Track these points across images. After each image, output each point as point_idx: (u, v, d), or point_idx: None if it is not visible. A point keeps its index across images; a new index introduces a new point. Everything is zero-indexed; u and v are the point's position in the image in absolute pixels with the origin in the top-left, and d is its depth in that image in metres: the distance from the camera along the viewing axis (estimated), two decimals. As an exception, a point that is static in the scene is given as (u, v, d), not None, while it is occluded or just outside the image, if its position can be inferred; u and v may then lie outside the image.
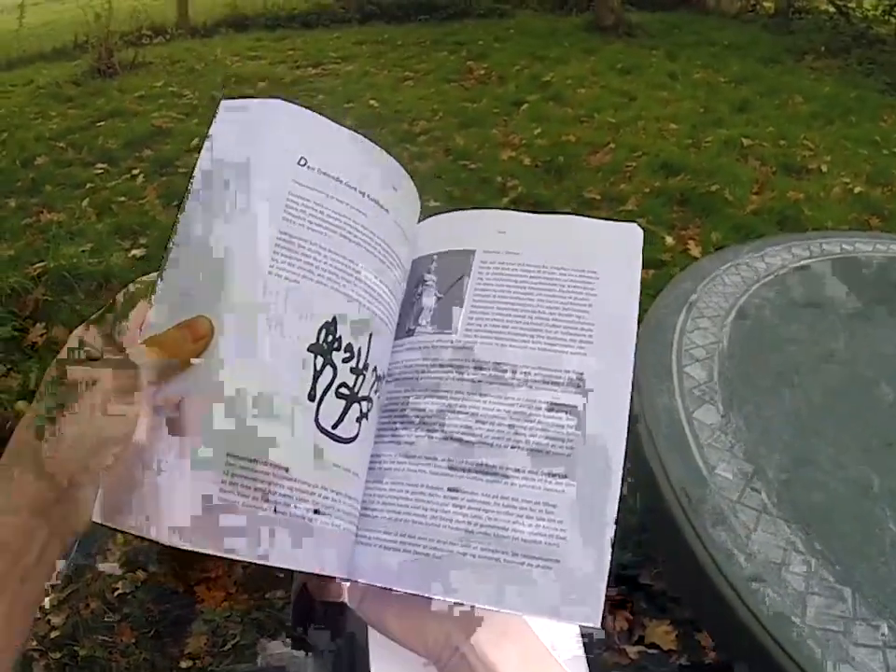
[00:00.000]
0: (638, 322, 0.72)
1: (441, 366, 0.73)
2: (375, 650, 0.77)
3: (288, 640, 2.14)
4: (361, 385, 0.71)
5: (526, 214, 0.80)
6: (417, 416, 0.72)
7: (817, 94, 7.40)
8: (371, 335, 0.72)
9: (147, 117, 7.01)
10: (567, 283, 0.74)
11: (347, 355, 0.69)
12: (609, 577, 0.63)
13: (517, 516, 0.65)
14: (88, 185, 5.59)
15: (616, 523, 0.65)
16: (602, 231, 0.78)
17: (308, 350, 0.66)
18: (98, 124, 6.93)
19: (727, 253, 2.37)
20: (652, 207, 4.90)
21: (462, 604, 0.66)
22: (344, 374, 0.69)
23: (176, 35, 11.31)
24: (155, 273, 0.66)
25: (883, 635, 1.28)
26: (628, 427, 0.68)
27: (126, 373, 0.59)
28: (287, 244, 0.66)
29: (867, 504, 1.50)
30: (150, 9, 11.31)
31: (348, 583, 0.73)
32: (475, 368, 0.72)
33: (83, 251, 4.40)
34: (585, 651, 0.79)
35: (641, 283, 0.74)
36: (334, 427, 0.68)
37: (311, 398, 0.66)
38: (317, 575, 0.71)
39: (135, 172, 5.80)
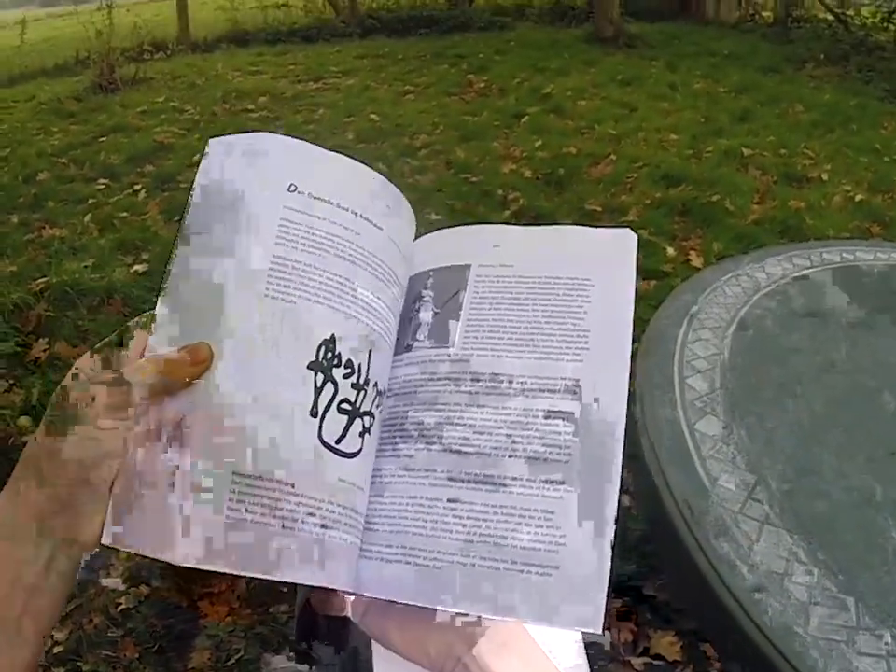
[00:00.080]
0: (639, 332, 0.72)
1: (439, 379, 0.73)
2: (379, 663, 0.77)
3: (292, 655, 2.14)
4: (363, 400, 0.71)
5: (521, 227, 0.81)
6: (416, 430, 0.72)
7: (817, 103, 7.41)
8: (370, 351, 0.72)
9: (149, 132, 7.04)
10: (561, 292, 0.74)
11: (348, 371, 0.70)
12: (609, 583, 0.63)
13: (516, 524, 0.66)
14: (90, 200, 5.61)
15: (616, 528, 0.65)
16: (595, 239, 0.78)
17: (308, 368, 0.67)
18: (100, 140, 6.96)
19: (728, 264, 2.37)
20: (654, 218, 4.90)
21: (464, 614, 0.66)
22: (346, 390, 0.70)
23: (177, 50, 11.37)
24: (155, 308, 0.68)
25: (886, 644, 1.28)
26: (626, 433, 0.68)
27: (119, 390, 0.61)
28: (282, 266, 0.68)
29: (870, 513, 1.50)
30: (151, 25, 11.38)
31: (352, 597, 0.73)
32: (472, 380, 0.72)
33: (85, 266, 4.41)
34: (589, 661, 0.79)
35: (643, 294, 0.75)
36: (338, 441, 0.68)
37: (313, 414, 0.67)
38: (321, 589, 0.72)
39: (137, 187, 5.81)
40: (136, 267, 4.51)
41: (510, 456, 0.68)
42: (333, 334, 0.69)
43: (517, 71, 8.75)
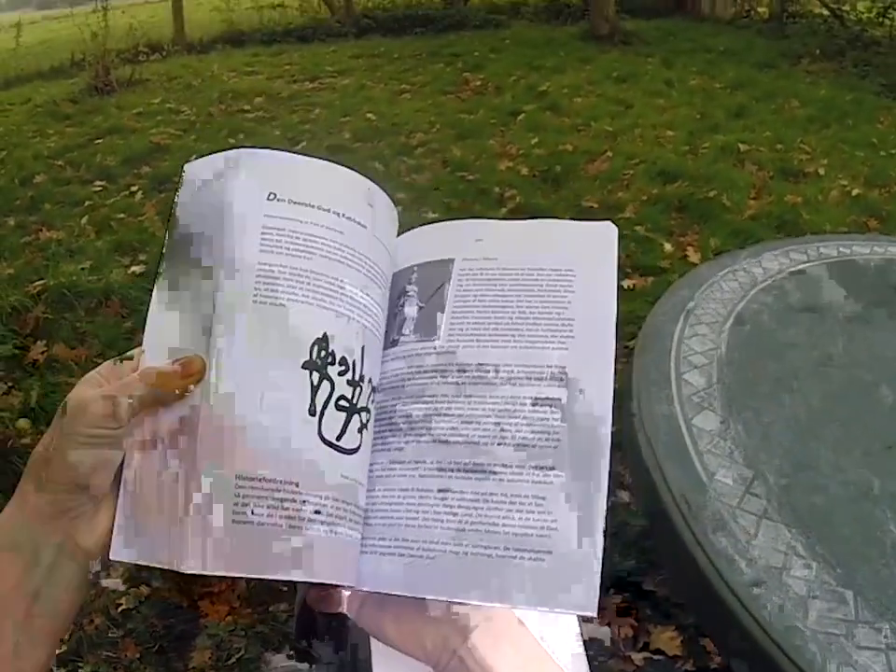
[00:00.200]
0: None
1: (426, 372, 0.74)
2: (378, 661, 0.77)
3: (292, 653, 2.14)
4: (359, 396, 0.72)
5: (503, 221, 0.82)
6: (405, 423, 0.73)
7: (813, 98, 7.41)
8: (363, 347, 0.73)
9: (145, 133, 7.04)
10: (545, 282, 0.75)
11: (343, 368, 0.70)
12: (602, 566, 0.64)
13: (507, 511, 0.66)
14: (86, 202, 5.62)
15: (608, 516, 0.66)
16: (577, 231, 0.79)
17: (303, 367, 0.68)
18: (96, 142, 6.97)
19: (724, 259, 2.37)
20: (651, 214, 4.90)
21: (460, 603, 0.66)
22: (342, 387, 0.70)
23: (173, 51, 11.37)
24: None
25: (885, 637, 1.28)
26: (614, 420, 0.68)
27: (113, 400, 0.63)
28: (268, 272, 0.68)
29: (868, 507, 1.50)
30: (147, 27, 11.38)
31: (348, 593, 0.73)
32: (458, 371, 0.72)
33: (83, 268, 4.42)
34: (588, 657, 0.79)
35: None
36: (338, 438, 0.69)
37: (311, 412, 0.67)
38: (319, 586, 0.72)
39: (134, 189, 5.82)
40: (134, 268, 4.51)
41: (498, 444, 0.69)
42: (325, 333, 0.69)
43: (513, 69, 8.75)
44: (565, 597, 0.63)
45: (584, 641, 0.79)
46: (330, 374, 0.69)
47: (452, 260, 0.79)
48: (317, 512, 0.65)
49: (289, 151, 0.73)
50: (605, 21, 10.15)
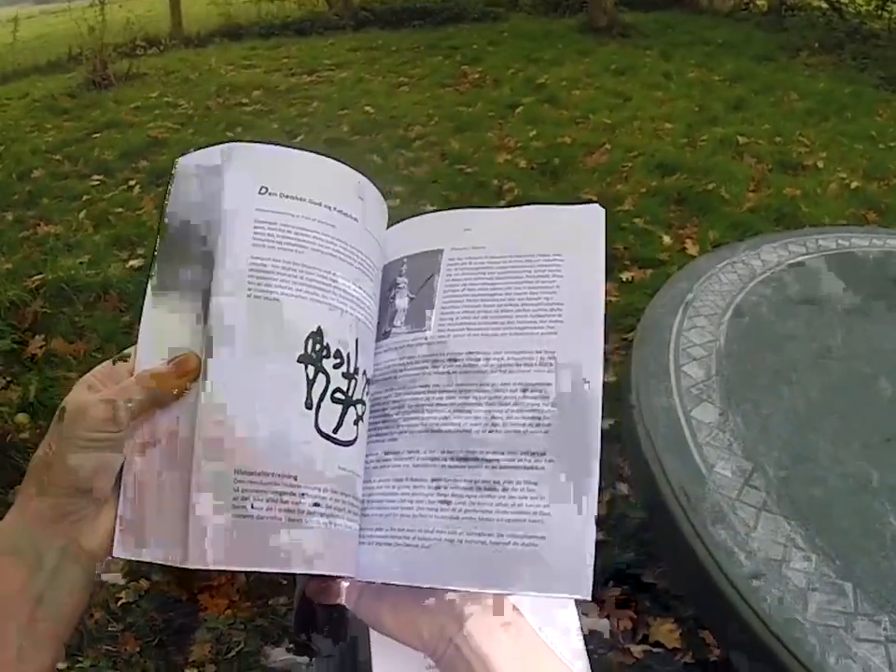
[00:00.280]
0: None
1: (417, 363, 0.74)
2: (378, 653, 0.77)
3: (292, 646, 2.15)
4: (354, 388, 0.72)
5: (491, 209, 0.82)
6: (398, 414, 0.73)
7: (811, 91, 7.40)
8: (357, 340, 0.73)
9: (143, 127, 7.03)
10: (533, 269, 0.75)
11: (337, 361, 0.70)
12: (597, 553, 0.64)
13: (500, 497, 0.67)
14: (84, 197, 5.61)
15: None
16: (564, 216, 0.78)
17: (298, 361, 0.68)
18: (94, 136, 6.96)
19: (723, 251, 2.37)
20: (649, 207, 4.90)
21: (455, 591, 0.67)
22: (337, 380, 0.70)
23: (170, 45, 11.35)
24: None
25: (885, 629, 1.28)
26: (605, 407, 0.68)
27: (113, 404, 0.63)
28: (261, 266, 0.68)
29: (867, 499, 1.50)
30: (144, 20, 11.34)
31: (345, 584, 0.73)
32: (449, 360, 0.73)
33: (81, 263, 4.41)
34: (588, 649, 0.79)
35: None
36: (334, 431, 0.69)
37: (308, 405, 0.68)
38: (318, 578, 0.72)
39: (132, 183, 5.81)
40: (132, 262, 4.51)
41: (490, 432, 0.69)
42: (319, 326, 0.69)
43: (511, 62, 8.74)
44: (559, 582, 0.64)
45: (584, 635, 0.79)
46: (326, 367, 0.69)
47: (440, 251, 0.80)
48: (316, 505, 0.66)
49: (282, 145, 0.73)
50: (603, 13, 10.13)
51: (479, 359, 0.72)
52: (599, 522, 0.65)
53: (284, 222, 0.70)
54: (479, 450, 0.69)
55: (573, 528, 0.65)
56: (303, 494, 0.65)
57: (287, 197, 0.71)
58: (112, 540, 0.65)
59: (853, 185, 5.29)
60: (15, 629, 0.61)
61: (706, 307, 1.99)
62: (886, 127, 6.48)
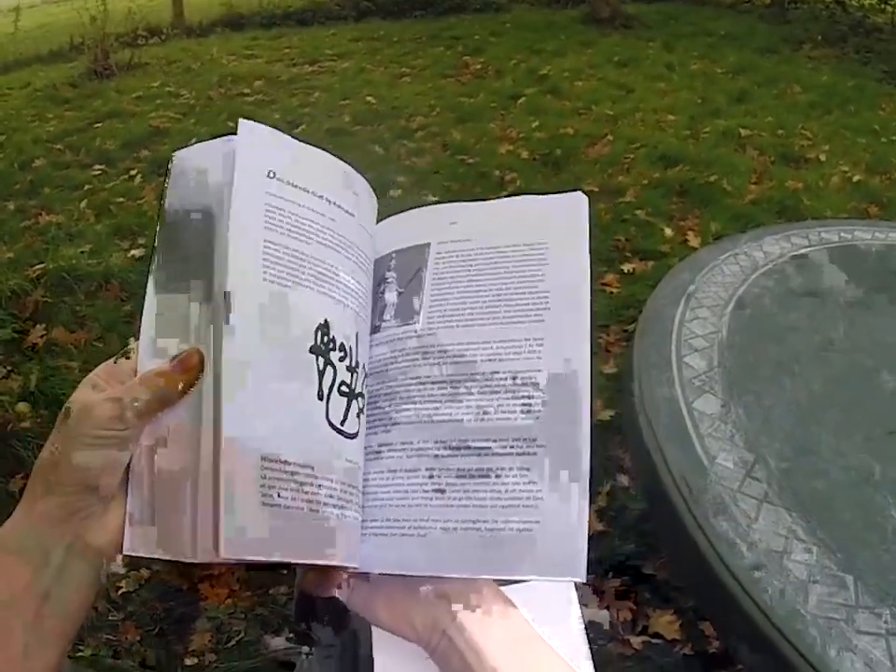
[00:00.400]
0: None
1: (408, 355, 0.75)
2: (379, 646, 0.77)
3: (292, 636, 2.15)
4: (356, 381, 0.73)
5: (476, 202, 0.82)
6: (390, 406, 0.74)
7: (814, 84, 7.38)
8: (357, 333, 0.74)
9: (145, 117, 7.02)
10: (519, 258, 0.76)
11: (342, 354, 0.71)
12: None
13: (493, 484, 0.68)
14: (86, 186, 5.60)
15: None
16: (548, 205, 0.79)
17: (310, 352, 0.68)
18: (95, 126, 6.94)
19: (725, 243, 2.36)
20: (651, 199, 4.89)
21: (452, 578, 0.68)
22: (342, 373, 0.71)
23: (172, 35, 11.33)
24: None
25: (885, 622, 1.28)
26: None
27: (120, 403, 0.63)
28: (274, 250, 0.67)
29: (868, 492, 1.50)
30: (146, 10, 11.31)
31: (345, 576, 0.73)
32: (439, 352, 0.74)
33: (82, 252, 4.41)
34: (588, 641, 0.79)
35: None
36: (342, 423, 0.70)
37: (319, 397, 0.68)
38: (318, 570, 0.72)
39: (133, 172, 5.80)
40: (133, 252, 4.50)
41: (481, 420, 0.70)
42: (326, 319, 0.70)
43: (513, 52, 8.71)
44: (554, 566, 0.65)
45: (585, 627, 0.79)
46: (332, 360, 0.70)
47: (428, 245, 0.80)
48: (330, 496, 0.66)
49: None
50: (606, 4, 10.10)
51: (468, 350, 0.73)
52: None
53: (291, 210, 0.69)
54: (471, 438, 0.70)
55: (567, 512, 0.66)
56: (320, 485, 0.65)
57: (292, 186, 0.70)
58: (120, 536, 0.65)
59: (855, 178, 5.28)
60: (21, 626, 0.61)
61: (708, 298, 1.99)
62: (888, 121, 6.45)
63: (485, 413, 0.70)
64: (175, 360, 0.65)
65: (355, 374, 0.72)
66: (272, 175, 0.69)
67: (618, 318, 3.58)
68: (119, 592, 2.42)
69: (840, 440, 1.61)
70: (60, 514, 0.62)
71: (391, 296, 0.79)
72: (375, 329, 0.78)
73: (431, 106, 6.87)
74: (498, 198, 0.83)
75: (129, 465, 0.65)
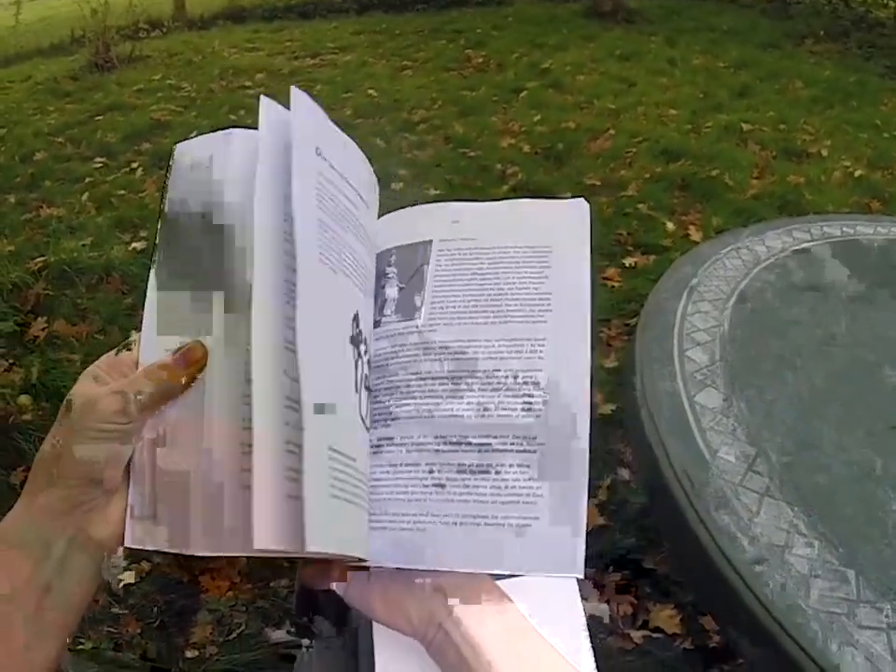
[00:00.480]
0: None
1: (409, 350, 0.75)
2: (379, 636, 0.77)
3: (293, 629, 2.15)
4: (370, 376, 0.73)
5: (479, 203, 0.83)
6: (390, 400, 0.74)
7: (816, 79, 7.37)
8: (370, 328, 0.74)
9: (146, 110, 7.01)
10: (521, 259, 0.77)
11: (364, 347, 0.71)
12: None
13: (493, 480, 0.69)
14: (87, 179, 5.60)
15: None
16: (551, 210, 0.80)
17: (350, 342, 0.68)
18: (96, 118, 6.94)
19: (728, 237, 2.36)
20: (653, 193, 4.89)
21: (451, 573, 0.68)
22: (364, 366, 0.71)
23: (174, 28, 11.31)
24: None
25: (887, 617, 1.28)
26: (591, 387, 0.70)
27: (124, 396, 0.63)
28: (324, 232, 0.65)
29: (870, 486, 1.50)
30: (147, 3, 11.29)
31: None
32: (441, 348, 0.74)
33: (83, 245, 4.41)
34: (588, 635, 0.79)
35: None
36: (364, 416, 0.71)
37: (356, 389, 0.68)
38: (318, 563, 0.72)
39: (134, 165, 5.80)
40: (134, 245, 4.50)
41: (482, 417, 0.71)
42: (357, 311, 0.70)
43: (515, 46, 8.70)
44: (552, 562, 0.66)
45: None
46: (361, 352, 0.70)
47: (430, 242, 0.81)
48: (363, 490, 0.67)
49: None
50: (608, -2, 10.09)
51: (470, 347, 0.74)
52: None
53: (332, 194, 0.68)
54: (472, 434, 0.70)
55: (566, 509, 0.67)
56: (358, 479, 0.66)
57: (332, 168, 0.69)
58: (121, 530, 0.65)
59: (857, 173, 5.28)
60: (22, 619, 0.61)
61: (710, 292, 1.98)
62: (890, 116, 6.45)
63: (486, 409, 0.71)
64: (178, 353, 0.65)
65: (369, 367, 0.73)
66: (318, 153, 0.67)
67: (619, 312, 3.58)
68: (121, 584, 2.43)
69: (842, 434, 1.61)
70: (62, 507, 0.62)
71: (392, 291, 0.79)
72: (376, 324, 0.78)
73: (433, 100, 6.87)
74: (502, 198, 0.83)
75: (131, 458, 0.65)
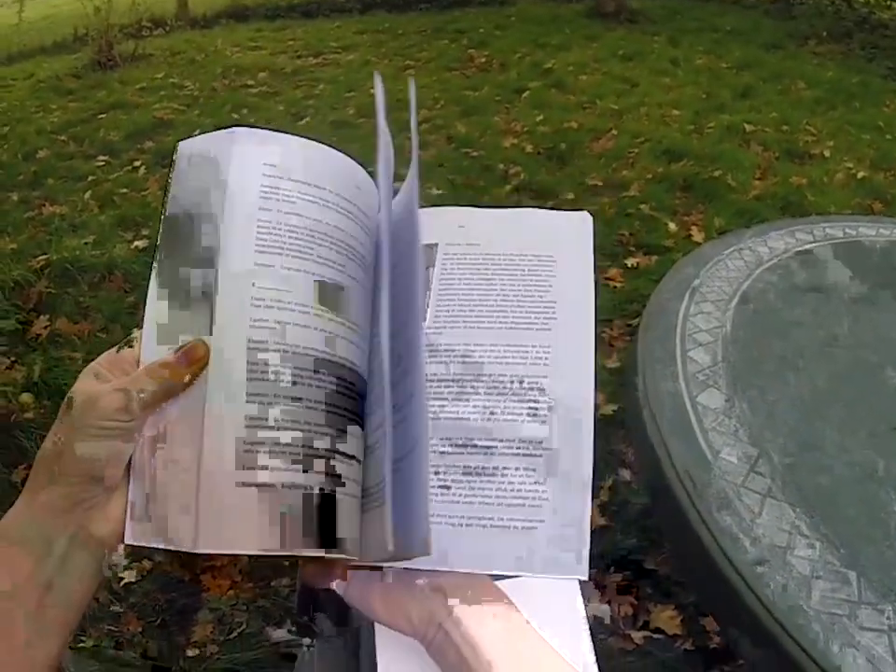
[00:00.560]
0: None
1: None
2: (381, 636, 0.77)
3: (294, 628, 2.15)
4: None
5: (485, 209, 0.84)
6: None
7: (819, 80, 7.36)
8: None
9: (149, 108, 7.01)
10: (526, 267, 0.78)
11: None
12: (595, 534, 0.66)
13: (499, 483, 0.69)
14: (90, 177, 5.60)
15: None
16: (556, 220, 0.82)
17: None
18: (99, 117, 6.94)
19: (730, 238, 2.36)
20: (655, 193, 4.88)
21: (453, 573, 0.68)
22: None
23: (176, 26, 11.30)
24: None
25: (888, 618, 1.28)
26: (607, 387, 0.71)
27: (126, 394, 0.63)
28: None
29: (872, 488, 1.50)
30: (150, 1, 11.25)
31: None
32: (446, 351, 0.75)
33: (86, 243, 4.41)
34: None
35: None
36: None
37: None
38: (313, 561, 0.72)
39: (137, 163, 5.79)
40: (137, 243, 4.50)
41: (488, 420, 0.71)
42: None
43: (518, 46, 8.69)
44: (557, 564, 0.67)
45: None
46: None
47: (435, 245, 0.81)
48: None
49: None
50: (611, -2, 10.09)
51: (475, 351, 0.74)
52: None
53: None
54: (477, 437, 0.71)
55: (571, 512, 0.68)
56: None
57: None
58: (122, 527, 0.65)
59: (860, 175, 5.27)
60: (23, 616, 0.61)
61: (712, 293, 1.99)
62: (893, 118, 6.44)
63: (492, 413, 0.71)
64: (181, 351, 0.65)
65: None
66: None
67: (621, 312, 3.58)
68: (122, 583, 2.43)
69: (844, 435, 1.61)
70: (64, 504, 0.62)
71: None
72: None
73: (436, 99, 6.86)
74: (505, 197, 0.84)
75: (131, 455, 0.65)
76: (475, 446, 0.70)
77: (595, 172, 5.25)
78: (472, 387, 0.72)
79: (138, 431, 0.64)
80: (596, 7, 10.22)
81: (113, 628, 2.31)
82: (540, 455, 0.69)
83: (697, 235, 4.35)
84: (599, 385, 0.73)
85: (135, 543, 0.64)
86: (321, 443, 0.66)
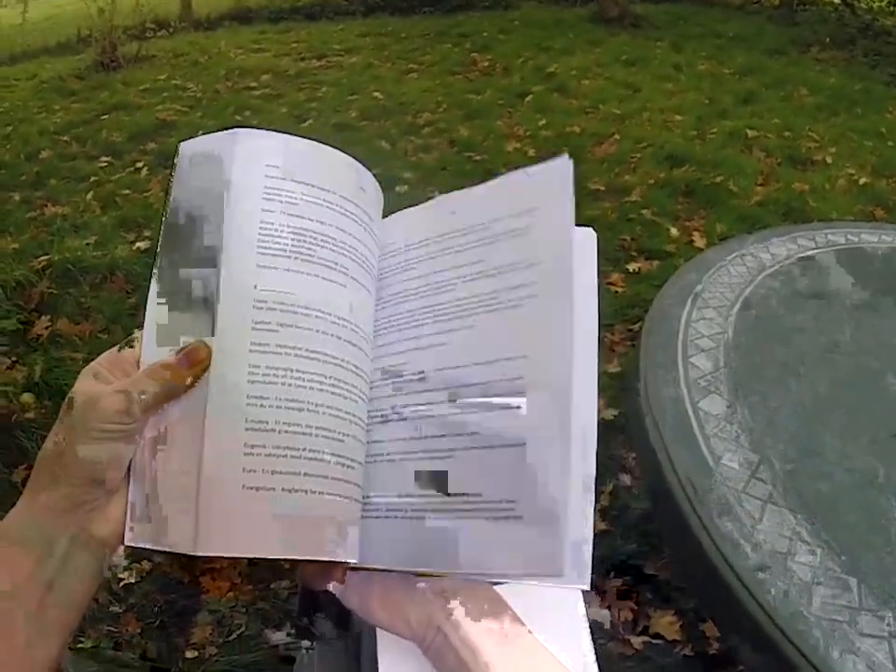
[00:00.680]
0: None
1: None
2: (383, 640, 0.77)
3: (293, 630, 2.15)
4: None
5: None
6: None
7: (822, 86, 7.36)
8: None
9: (151, 110, 7.01)
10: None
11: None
12: (596, 540, 0.65)
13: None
14: (92, 178, 5.60)
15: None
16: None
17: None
18: (102, 118, 6.94)
19: (732, 244, 2.36)
20: (657, 198, 4.88)
21: (452, 575, 0.67)
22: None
23: (180, 28, 11.32)
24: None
25: (888, 625, 1.28)
26: (609, 392, 0.70)
27: (128, 396, 0.63)
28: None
29: (873, 494, 1.50)
30: (154, 3, 11.27)
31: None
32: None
33: (88, 244, 4.41)
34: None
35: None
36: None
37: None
38: (312, 563, 0.72)
39: (139, 165, 5.80)
40: (138, 244, 4.50)
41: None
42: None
43: (521, 50, 8.69)
44: (558, 570, 0.64)
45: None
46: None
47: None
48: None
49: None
50: (614, 3, 10.07)
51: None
52: (602, 512, 0.66)
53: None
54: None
55: (574, 522, 0.65)
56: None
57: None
58: (123, 528, 0.65)
59: (861, 181, 5.27)
60: (24, 616, 0.61)
61: (714, 299, 1.99)
62: (895, 124, 6.45)
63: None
64: (182, 353, 0.64)
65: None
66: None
67: (623, 317, 3.58)
68: (121, 584, 2.43)
69: (845, 442, 1.61)
70: (65, 505, 0.62)
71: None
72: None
73: (438, 103, 6.87)
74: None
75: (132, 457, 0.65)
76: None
77: (598, 176, 5.25)
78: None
79: (139, 433, 0.64)
80: (600, 11, 10.23)
81: (112, 629, 2.31)
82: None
83: (699, 241, 4.35)
84: (601, 390, 0.72)
85: (135, 545, 0.64)
86: (322, 446, 0.65)
